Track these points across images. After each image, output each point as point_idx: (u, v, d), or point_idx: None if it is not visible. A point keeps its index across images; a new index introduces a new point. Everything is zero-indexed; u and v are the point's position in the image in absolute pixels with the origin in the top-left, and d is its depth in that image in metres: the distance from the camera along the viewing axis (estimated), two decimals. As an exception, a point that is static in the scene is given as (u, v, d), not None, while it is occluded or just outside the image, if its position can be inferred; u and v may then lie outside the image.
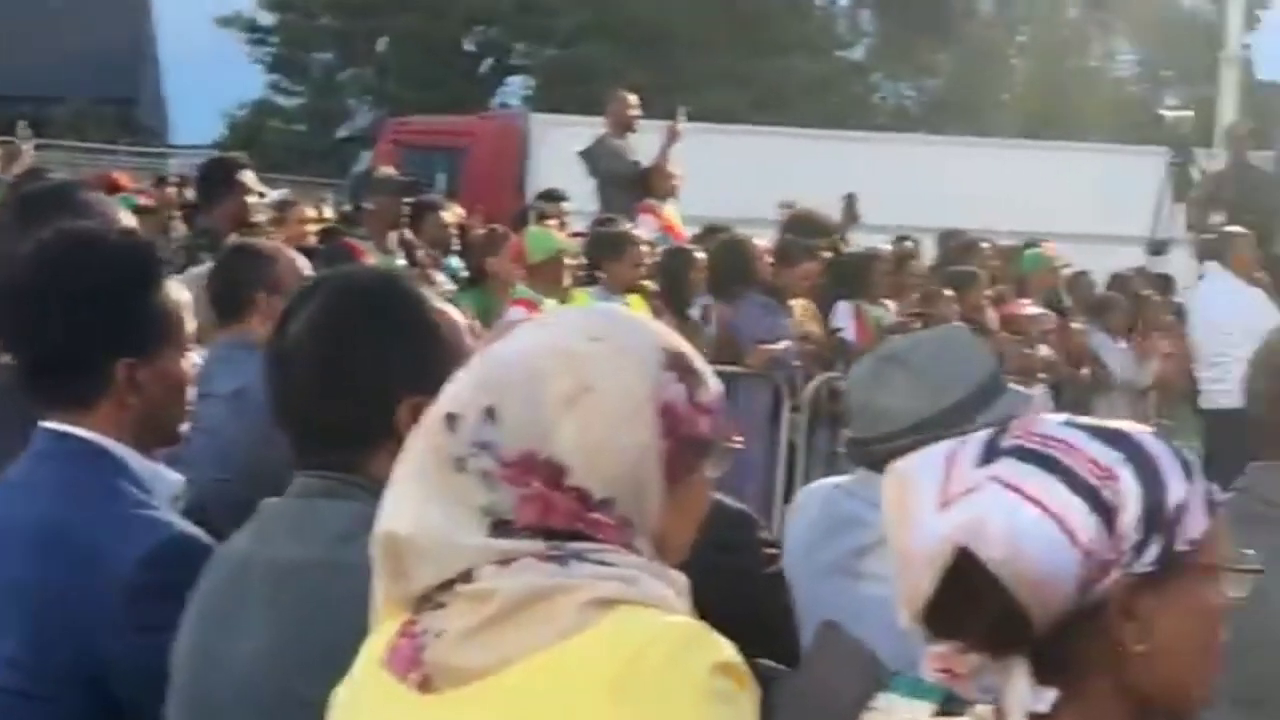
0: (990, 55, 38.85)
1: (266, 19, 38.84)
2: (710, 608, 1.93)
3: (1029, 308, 11.44)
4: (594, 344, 1.80)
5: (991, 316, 11.02)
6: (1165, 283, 13.97)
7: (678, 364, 1.84)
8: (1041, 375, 10.88)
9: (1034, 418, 1.76)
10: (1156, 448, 1.71)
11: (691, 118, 12.84)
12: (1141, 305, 12.42)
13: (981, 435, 1.74)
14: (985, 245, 12.57)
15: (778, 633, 2.99)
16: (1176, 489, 1.68)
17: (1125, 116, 31.49)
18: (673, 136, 12.19)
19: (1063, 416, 1.76)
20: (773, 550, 3.19)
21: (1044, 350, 11.12)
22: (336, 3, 37.39)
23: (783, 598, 3.10)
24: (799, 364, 9.60)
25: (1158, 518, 1.67)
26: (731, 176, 15.97)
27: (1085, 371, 11.49)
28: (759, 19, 35.28)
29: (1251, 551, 1.76)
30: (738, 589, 3.03)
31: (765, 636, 2.76)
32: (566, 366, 1.78)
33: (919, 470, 1.73)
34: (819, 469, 8.81)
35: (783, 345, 9.54)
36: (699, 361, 1.88)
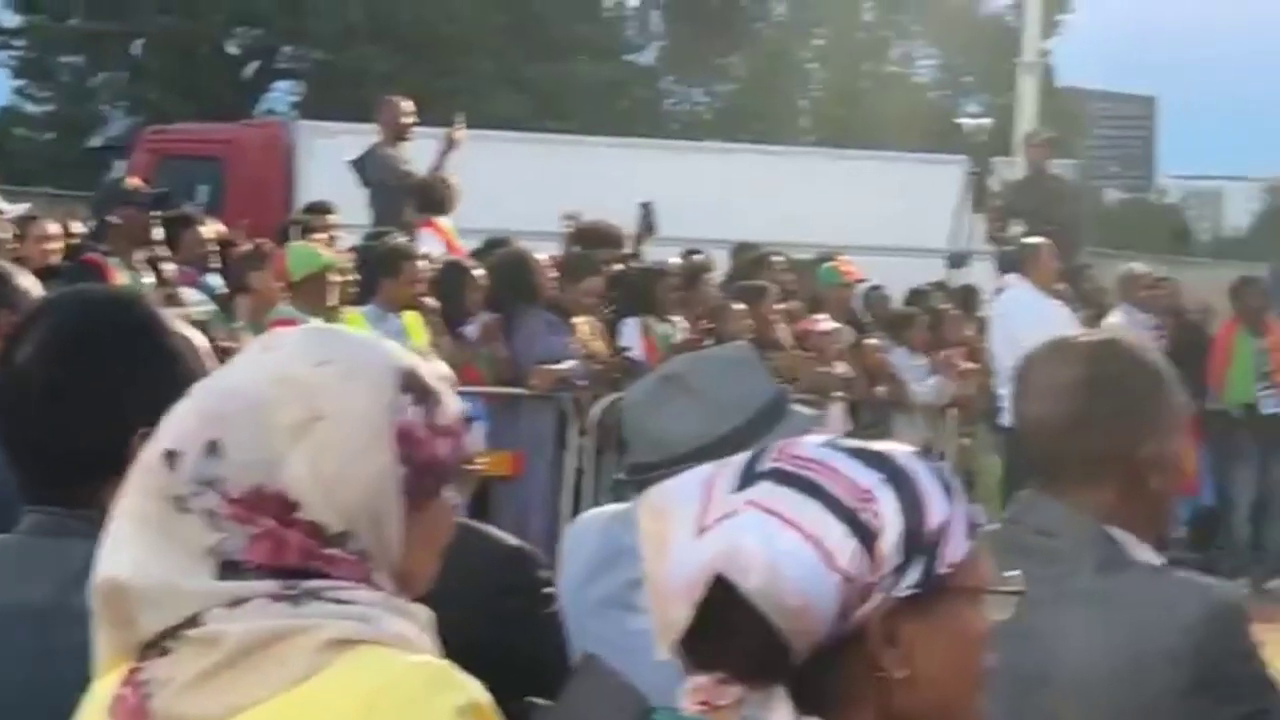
0: (785, 60, 39.35)
1: (11, 20, 37.99)
2: (486, 650, 1.93)
3: (825, 323, 11.62)
4: (322, 368, 1.79)
5: (785, 333, 11.17)
6: (968, 296, 14.24)
7: (414, 385, 1.83)
8: (838, 393, 11.06)
9: (793, 440, 1.79)
10: (918, 469, 1.75)
11: (471, 124, 12.83)
12: (941, 320, 12.66)
13: (740, 459, 1.77)
14: (778, 259, 12.73)
15: (554, 673, 3.01)
16: (938, 511, 1.73)
17: (925, 124, 32.07)
18: (450, 144, 12.18)
19: (823, 438, 1.79)
20: (551, 589, 3.20)
21: (840, 367, 11.30)
22: (87, 2, 36.67)
23: (559, 637, 3.12)
24: (585, 384, 9.65)
25: (918, 540, 1.71)
26: (514, 186, 15.95)
27: (883, 389, 11.69)
28: (541, 21, 35.34)
29: (1018, 572, 1.81)
30: (515, 631, 3.05)
31: (542, 677, 2.78)
32: (294, 394, 1.76)
33: (675, 497, 1.75)
34: (608, 495, 8.85)
35: (568, 365, 9.58)
36: (437, 381, 1.87)
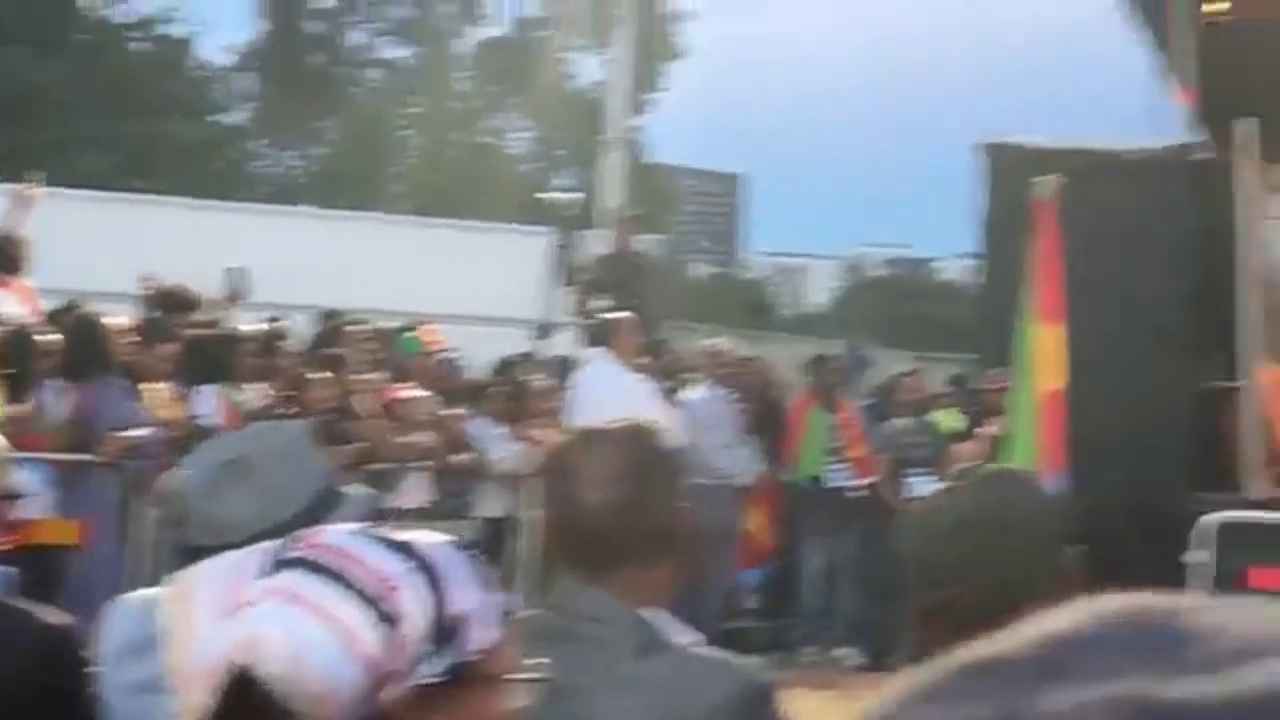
0: (379, 126, 39.33)
1: None
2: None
3: (408, 392, 11.62)
4: None
5: (367, 401, 11.13)
6: (555, 367, 14.39)
7: None
8: (419, 462, 11.07)
9: (321, 529, 1.79)
10: (446, 557, 1.77)
11: (56, 182, 12.50)
12: (525, 390, 12.77)
13: (267, 547, 1.77)
14: (363, 327, 12.68)
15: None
16: (465, 599, 1.75)
17: (517, 195, 32.38)
18: (23, 203, 11.84)
19: (352, 526, 1.80)
20: (91, 669, 3.12)
21: (423, 436, 11.31)
22: None
23: (97, 718, 3.05)
24: (159, 452, 9.45)
25: (445, 628, 1.73)
26: (96, 247, 15.56)
27: (464, 458, 11.73)
28: (127, 78, 34.62)
29: (548, 660, 1.84)
30: (52, 711, 2.96)
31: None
32: None
33: (201, 582, 1.74)
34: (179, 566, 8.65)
35: (140, 432, 9.37)
36: None
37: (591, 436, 2.93)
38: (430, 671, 1.72)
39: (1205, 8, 12.20)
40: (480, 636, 1.75)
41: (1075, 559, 2.67)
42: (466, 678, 1.74)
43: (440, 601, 1.73)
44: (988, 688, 0.52)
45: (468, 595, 1.75)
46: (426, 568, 1.74)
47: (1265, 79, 12.02)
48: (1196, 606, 0.53)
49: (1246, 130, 11.13)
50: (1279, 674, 0.49)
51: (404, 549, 1.76)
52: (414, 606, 1.72)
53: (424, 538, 1.79)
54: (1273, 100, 11.71)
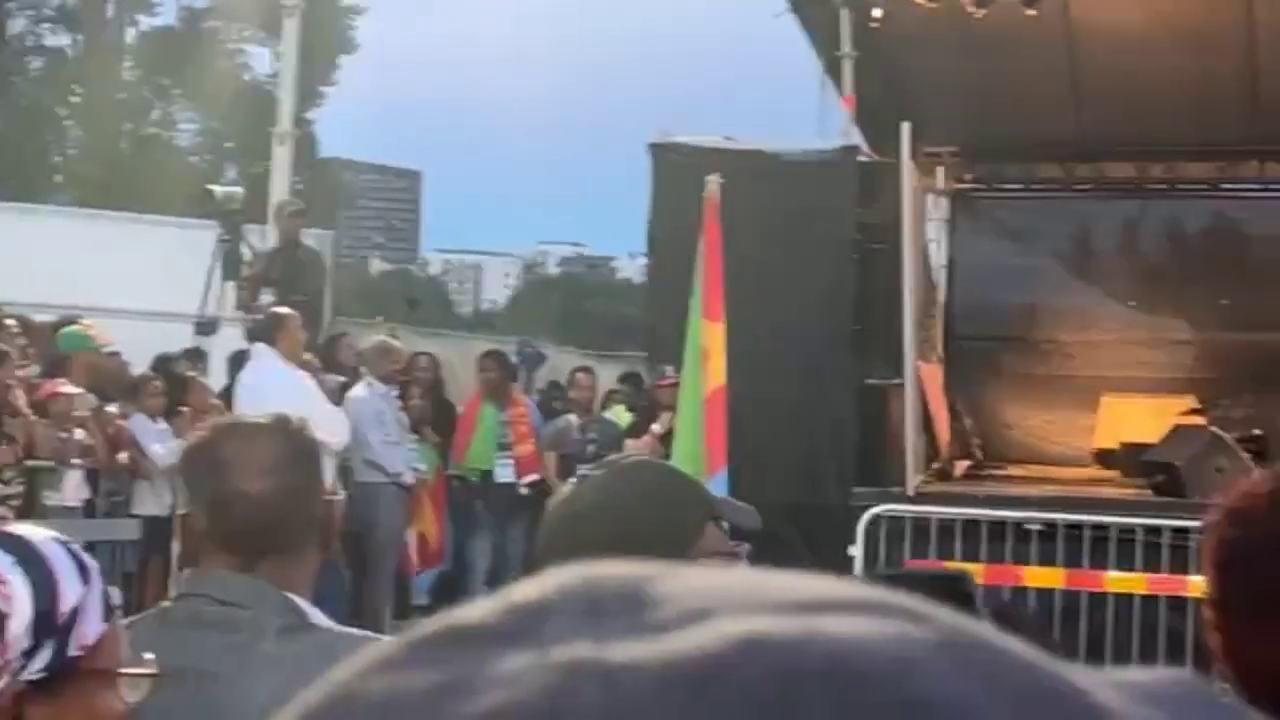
0: (40, 115, 38.25)
1: None
2: None
3: (66, 388, 11.34)
4: None
5: (22, 398, 10.84)
6: (219, 363, 14.16)
7: None
8: (77, 460, 10.82)
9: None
10: (52, 552, 1.74)
11: None
12: (185, 386, 12.55)
13: None
14: (13, 321, 12.31)
15: None
16: (70, 594, 1.72)
17: (185, 188, 31.77)
18: None
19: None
20: None
21: (80, 434, 11.05)
22: None
23: None
24: None
25: (49, 623, 1.70)
26: None
27: (124, 456, 11.49)
28: None
29: (152, 655, 1.83)
30: None
31: None
32: None
33: None
34: None
35: None
36: None
37: (239, 429, 2.96)
38: (34, 669, 1.69)
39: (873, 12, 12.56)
40: (86, 632, 1.73)
41: (708, 546, 2.72)
42: (73, 673, 1.72)
43: (46, 597, 1.71)
44: (445, 654, 0.54)
45: (73, 590, 1.73)
46: (32, 562, 1.72)
47: (921, 84, 12.41)
48: (663, 573, 0.56)
49: (905, 133, 11.47)
50: (715, 633, 0.51)
51: (10, 543, 1.73)
52: (19, 602, 1.69)
53: (30, 532, 1.76)
54: (928, 105, 12.10)
